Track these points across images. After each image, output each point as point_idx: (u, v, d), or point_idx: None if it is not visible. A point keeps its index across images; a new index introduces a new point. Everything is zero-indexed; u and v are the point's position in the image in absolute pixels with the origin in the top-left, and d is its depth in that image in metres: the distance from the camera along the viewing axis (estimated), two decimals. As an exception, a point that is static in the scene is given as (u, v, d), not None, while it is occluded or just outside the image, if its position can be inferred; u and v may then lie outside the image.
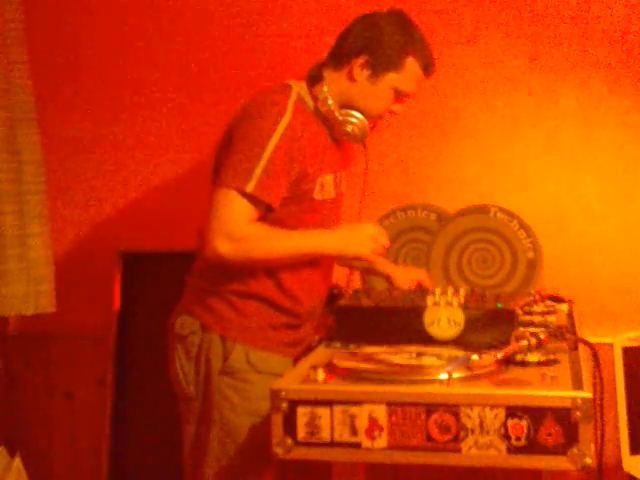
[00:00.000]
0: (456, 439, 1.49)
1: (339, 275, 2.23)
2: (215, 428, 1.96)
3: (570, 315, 2.13)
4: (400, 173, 2.69)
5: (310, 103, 2.02)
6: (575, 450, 1.45)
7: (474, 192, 2.65)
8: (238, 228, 1.88)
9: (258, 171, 1.87)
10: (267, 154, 1.88)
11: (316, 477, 2.18)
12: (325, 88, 2.00)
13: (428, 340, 1.84)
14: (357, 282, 2.46)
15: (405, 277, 2.28)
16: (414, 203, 2.61)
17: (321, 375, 1.60)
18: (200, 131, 2.82)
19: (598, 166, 2.61)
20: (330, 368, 1.66)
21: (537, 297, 2.17)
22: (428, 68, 2.02)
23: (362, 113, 2.02)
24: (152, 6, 2.83)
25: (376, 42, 1.96)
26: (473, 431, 1.49)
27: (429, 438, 1.51)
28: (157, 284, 2.83)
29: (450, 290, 1.94)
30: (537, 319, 1.99)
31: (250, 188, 1.87)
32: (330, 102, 2.00)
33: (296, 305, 2.03)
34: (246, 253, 1.90)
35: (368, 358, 1.73)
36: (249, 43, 2.76)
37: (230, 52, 2.78)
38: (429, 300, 1.87)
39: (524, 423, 1.47)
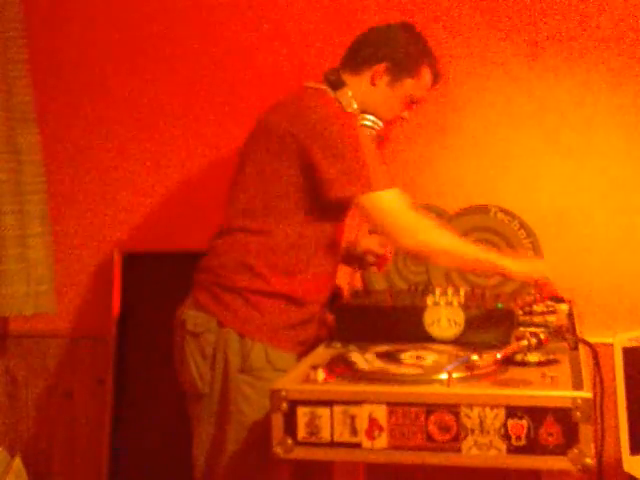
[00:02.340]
0: (456, 439, 1.50)
1: (339, 275, 2.22)
2: (233, 425, 1.96)
3: (570, 315, 2.13)
4: (400, 173, 2.69)
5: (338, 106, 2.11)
6: (575, 450, 1.45)
7: (474, 192, 2.65)
8: (407, 218, 1.99)
9: (372, 165, 1.97)
10: (367, 149, 1.98)
11: (316, 477, 2.18)
12: (350, 93, 2.09)
13: (428, 340, 1.84)
14: (357, 282, 2.46)
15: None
16: (414, 203, 2.61)
17: (321, 375, 1.60)
18: (201, 132, 2.82)
19: (598, 166, 2.61)
20: (330, 368, 1.66)
21: (537, 297, 2.17)
22: (438, 77, 2.18)
23: (377, 117, 2.13)
24: (154, 6, 2.83)
25: (396, 50, 2.10)
26: (473, 431, 1.49)
27: (429, 438, 1.51)
28: (157, 284, 2.83)
29: (450, 290, 1.94)
30: (537, 319, 1.99)
31: (380, 182, 1.97)
32: (355, 106, 2.09)
33: (310, 302, 2.04)
34: (432, 241, 1.99)
35: (368, 358, 1.73)
36: (252, 48, 2.76)
37: (232, 55, 2.78)
38: (429, 300, 1.87)
39: (524, 423, 1.47)
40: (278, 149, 2.00)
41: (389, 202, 1.99)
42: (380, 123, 2.13)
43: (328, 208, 2.02)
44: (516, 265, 2.03)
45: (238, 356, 1.96)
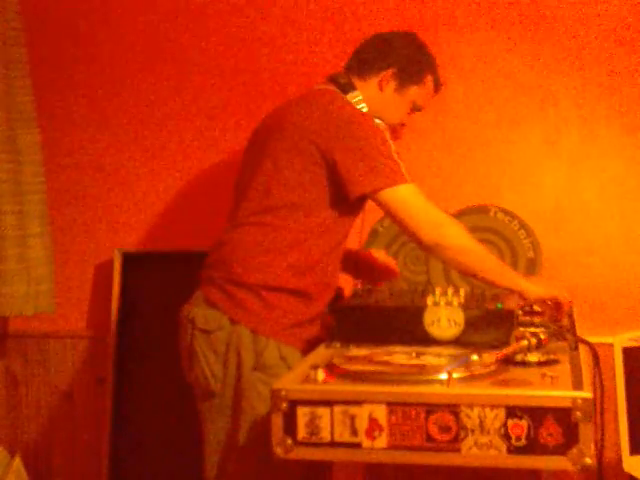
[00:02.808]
0: (456, 439, 1.49)
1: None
2: (246, 423, 1.96)
3: (570, 315, 2.13)
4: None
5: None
6: (575, 450, 1.45)
7: (474, 192, 2.65)
8: (433, 212, 2.01)
9: (392, 161, 2.01)
10: (387, 146, 2.02)
11: (315, 477, 2.18)
12: (361, 96, 2.14)
13: (428, 340, 1.84)
14: (357, 282, 2.46)
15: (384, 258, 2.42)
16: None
17: (321, 375, 1.60)
18: (201, 133, 2.82)
19: (598, 166, 2.61)
20: (330, 368, 1.66)
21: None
22: (439, 86, 2.25)
23: (382, 121, 2.16)
24: (156, 5, 2.83)
25: (402, 57, 2.16)
26: (473, 431, 1.49)
27: (429, 438, 1.51)
28: (157, 284, 2.84)
29: (450, 290, 1.94)
30: (537, 319, 1.99)
31: (401, 177, 2.00)
32: (366, 110, 2.13)
33: (319, 299, 2.06)
34: (453, 237, 2.00)
35: (368, 358, 1.73)
36: (253, 49, 2.76)
37: (232, 57, 2.78)
38: (429, 300, 1.87)
39: (524, 423, 1.47)
40: (299, 147, 2.02)
41: (410, 196, 2.01)
42: (386, 127, 2.16)
43: (346, 205, 2.04)
44: (532, 285, 2.04)
45: (251, 354, 1.97)
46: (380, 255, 2.41)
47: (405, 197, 2.00)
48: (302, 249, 2.02)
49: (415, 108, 2.22)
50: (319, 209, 2.03)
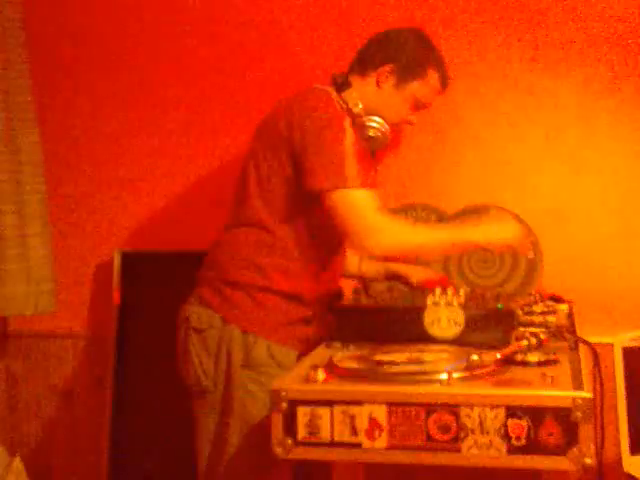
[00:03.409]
0: (456, 439, 1.50)
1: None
2: (236, 420, 1.97)
3: (570, 315, 2.13)
4: (400, 173, 2.69)
5: (343, 107, 2.11)
6: (575, 450, 1.45)
7: (474, 192, 2.65)
8: (373, 219, 1.95)
9: (349, 165, 1.95)
10: (348, 149, 1.97)
11: (315, 477, 2.18)
12: (355, 94, 2.11)
13: (428, 340, 1.84)
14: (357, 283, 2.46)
15: (424, 275, 2.34)
16: (414, 203, 2.61)
17: (321, 375, 1.60)
18: (201, 133, 2.82)
19: (598, 166, 2.61)
20: (330, 368, 1.66)
21: (537, 297, 2.17)
22: (445, 81, 2.19)
23: (383, 119, 2.13)
24: (155, 5, 2.83)
25: (402, 52, 2.12)
26: (473, 431, 1.49)
27: (429, 438, 1.51)
28: (157, 284, 2.83)
29: (450, 290, 1.94)
30: (537, 319, 1.99)
31: (354, 181, 1.94)
32: (360, 107, 2.10)
33: (311, 300, 2.06)
34: (398, 243, 1.98)
35: (368, 358, 1.73)
36: (256, 50, 2.76)
37: (235, 58, 2.78)
38: (429, 300, 1.87)
39: (524, 423, 1.47)
40: (272, 146, 2.02)
41: (358, 201, 1.95)
42: (386, 125, 2.14)
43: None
44: (488, 234, 2.03)
45: (241, 352, 1.98)
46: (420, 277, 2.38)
47: (351, 201, 1.94)
48: (291, 251, 2.03)
49: (419, 105, 2.18)
50: (303, 211, 2.02)
